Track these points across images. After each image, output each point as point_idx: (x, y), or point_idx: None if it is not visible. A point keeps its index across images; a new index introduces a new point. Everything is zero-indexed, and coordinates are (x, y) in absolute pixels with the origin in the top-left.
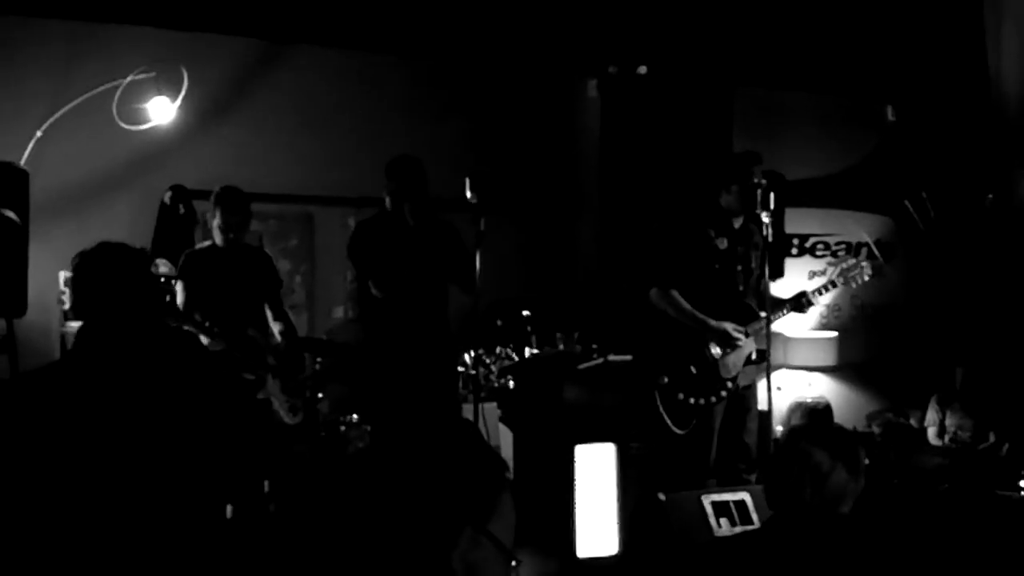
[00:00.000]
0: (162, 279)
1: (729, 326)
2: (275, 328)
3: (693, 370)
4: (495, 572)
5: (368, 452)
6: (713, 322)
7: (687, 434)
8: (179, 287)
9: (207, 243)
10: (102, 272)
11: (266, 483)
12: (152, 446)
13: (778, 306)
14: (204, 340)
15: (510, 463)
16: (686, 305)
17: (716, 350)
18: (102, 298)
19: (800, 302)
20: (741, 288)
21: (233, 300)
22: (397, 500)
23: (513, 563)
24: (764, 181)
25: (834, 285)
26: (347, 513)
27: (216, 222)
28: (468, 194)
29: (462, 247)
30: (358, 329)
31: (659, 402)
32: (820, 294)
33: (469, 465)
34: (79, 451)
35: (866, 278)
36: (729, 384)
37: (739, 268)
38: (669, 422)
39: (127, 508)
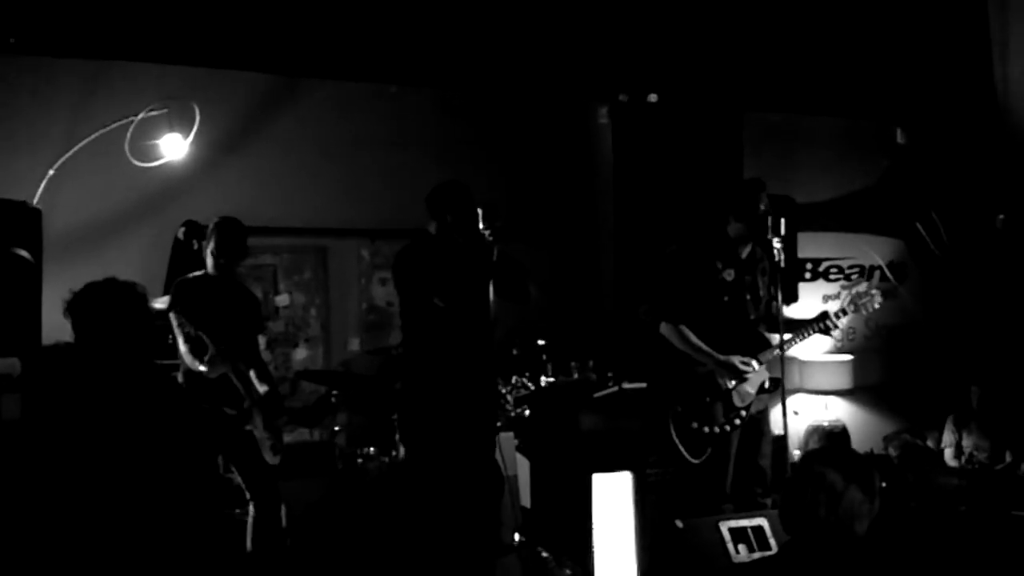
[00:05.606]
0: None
1: (736, 359)
2: (251, 372)
3: (707, 399)
4: None
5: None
6: (721, 356)
7: (703, 462)
8: (172, 316)
9: (199, 272)
10: (96, 307)
11: (283, 516)
12: (127, 468)
13: (801, 327)
14: (201, 366)
15: (527, 492)
16: (695, 340)
17: (729, 381)
18: (96, 332)
19: (824, 324)
20: (752, 317)
21: (223, 328)
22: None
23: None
24: (766, 208)
25: (845, 313)
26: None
27: (210, 248)
28: (480, 226)
29: (510, 257)
30: (374, 360)
31: (673, 431)
32: (838, 318)
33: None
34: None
35: (877, 306)
36: (743, 413)
37: (748, 297)
38: (683, 451)
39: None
